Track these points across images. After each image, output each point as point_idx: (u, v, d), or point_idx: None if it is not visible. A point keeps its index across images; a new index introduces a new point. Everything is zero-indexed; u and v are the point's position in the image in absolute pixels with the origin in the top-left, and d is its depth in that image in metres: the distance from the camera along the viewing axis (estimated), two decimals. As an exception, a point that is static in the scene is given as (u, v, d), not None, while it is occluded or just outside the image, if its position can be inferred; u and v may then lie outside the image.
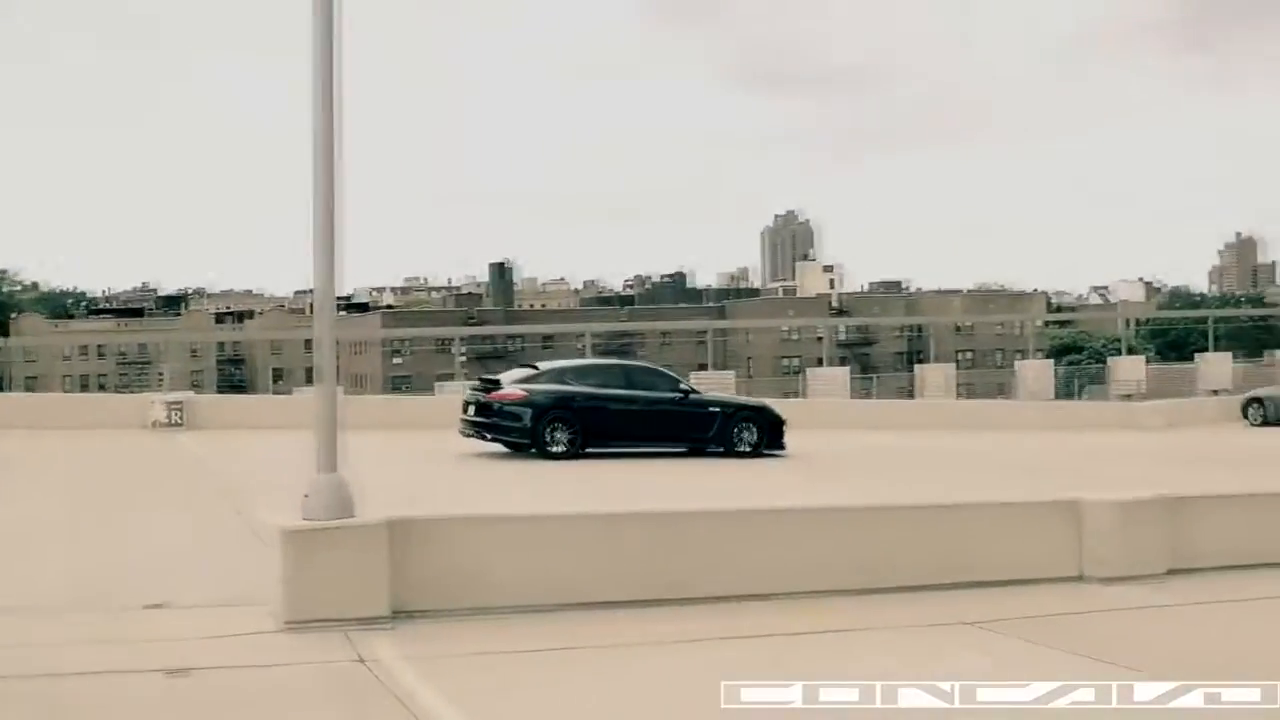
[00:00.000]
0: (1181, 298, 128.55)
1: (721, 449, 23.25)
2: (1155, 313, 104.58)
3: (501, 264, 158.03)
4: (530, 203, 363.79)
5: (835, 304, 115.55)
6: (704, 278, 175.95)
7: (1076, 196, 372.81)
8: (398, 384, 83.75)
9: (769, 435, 23.77)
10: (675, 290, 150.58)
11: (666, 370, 25.68)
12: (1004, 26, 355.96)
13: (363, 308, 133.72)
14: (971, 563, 10.29)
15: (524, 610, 8.93)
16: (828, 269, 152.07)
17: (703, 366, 45.75)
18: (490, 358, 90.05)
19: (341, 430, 9.08)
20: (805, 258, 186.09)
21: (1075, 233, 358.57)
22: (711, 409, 23.73)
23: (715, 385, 38.56)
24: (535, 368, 24.09)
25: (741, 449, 23.27)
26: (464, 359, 61.61)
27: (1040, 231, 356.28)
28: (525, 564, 9.17)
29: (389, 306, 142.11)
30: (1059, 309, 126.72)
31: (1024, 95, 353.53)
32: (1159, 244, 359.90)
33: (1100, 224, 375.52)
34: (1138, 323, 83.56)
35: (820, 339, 70.99)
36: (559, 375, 23.31)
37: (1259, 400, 36.06)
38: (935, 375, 40.86)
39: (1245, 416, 35.98)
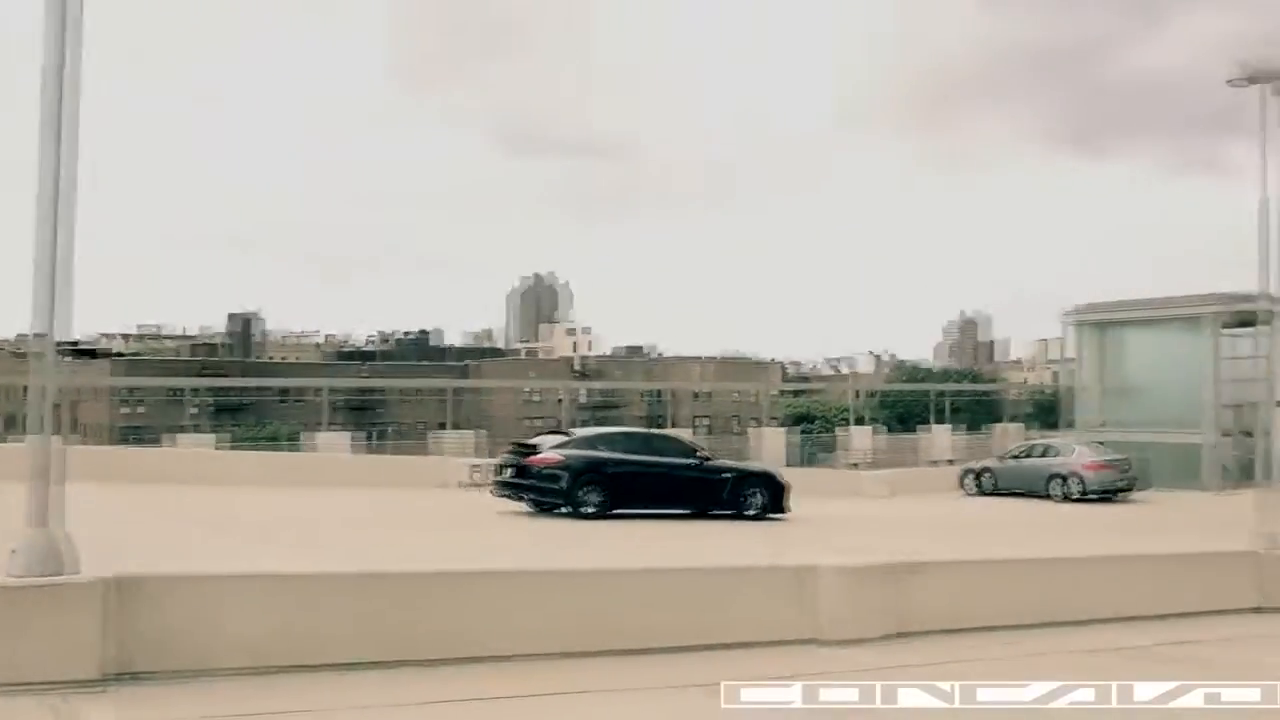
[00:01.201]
0: (909, 371, 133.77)
1: (731, 511, 24.72)
2: (884, 385, 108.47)
3: (242, 314, 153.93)
4: (276, 254, 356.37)
5: (579, 367, 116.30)
6: (450, 337, 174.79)
7: (814, 269, 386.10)
8: (127, 435, 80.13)
9: (773, 499, 25.22)
10: (420, 348, 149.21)
11: (684, 439, 28.37)
12: (756, 102, 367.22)
13: (90, 354, 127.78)
14: (709, 626, 10.40)
15: (260, 671, 8.61)
16: (572, 332, 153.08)
17: (443, 425, 45.26)
18: (228, 410, 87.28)
19: (60, 483, 8.61)
20: (552, 320, 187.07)
21: (811, 304, 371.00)
22: (724, 474, 25.30)
23: (455, 445, 38.34)
24: (568, 434, 25.97)
25: (749, 511, 24.81)
26: (198, 411, 59.56)
27: (778, 302, 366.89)
28: (261, 623, 8.85)
29: (119, 353, 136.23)
30: (794, 378, 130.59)
31: (769, 169, 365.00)
32: (890, 319, 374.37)
33: (835, 297, 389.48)
34: (868, 394, 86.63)
35: (561, 401, 71.12)
36: (591, 442, 24.99)
37: (976, 471, 37.79)
38: (674, 440, 41.38)
39: (963, 486, 37.66)
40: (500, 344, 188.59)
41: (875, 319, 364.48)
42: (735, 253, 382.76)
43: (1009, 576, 12.85)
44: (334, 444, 37.17)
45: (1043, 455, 36.74)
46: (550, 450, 24.19)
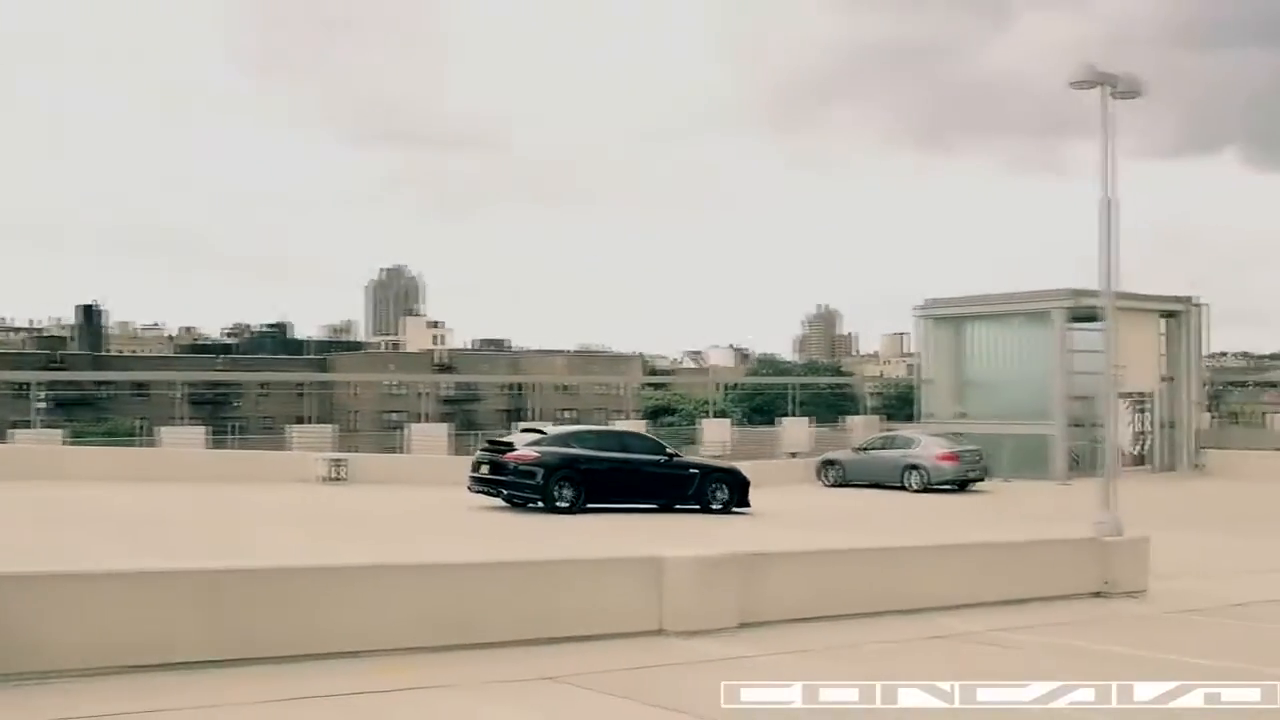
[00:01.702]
0: (768, 365, 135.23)
1: (697, 505, 25.86)
2: (744, 378, 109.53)
3: (90, 306, 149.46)
4: (126, 246, 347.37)
5: (439, 360, 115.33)
6: (307, 329, 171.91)
7: (674, 264, 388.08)
8: (-33, 431, 77.25)
9: (738, 494, 26.49)
10: (277, 341, 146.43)
11: (654, 437, 29.40)
12: (615, 98, 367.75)
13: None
14: (557, 618, 10.42)
15: (105, 672, 8.41)
16: (433, 325, 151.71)
17: (301, 419, 44.66)
18: (76, 404, 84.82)
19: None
20: (411, 313, 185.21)
21: (672, 299, 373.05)
22: (691, 470, 26.50)
23: (314, 439, 37.82)
24: (542, 432, 26.89)
25: (715, 506, 25.97)
26: (44, 405, 57.83)
27: (639, 296, 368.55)
28: (98, 625, 8.63)
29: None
30: (655, 371, 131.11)
31: (629, 164, 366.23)
32: (749, 313, 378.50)
33: (695, 292, 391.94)
34: (727, 387, 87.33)
35: (422, 394, 70.47)
36: (564, 440, 25.95)
37: (832, 462, 38.33)
38: (533, 433, 41.32)
39: (819, 477, 38.18)
40: (359, 337, 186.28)
41: (735, 313, 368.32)
42: (593, 248, 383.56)
43: (857, 566, 13.07)
44: (188, 439, 36.40)
45: (897, 447, 37.33)
46: (525, 448, 25.18)
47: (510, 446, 25.49)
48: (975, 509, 31.32)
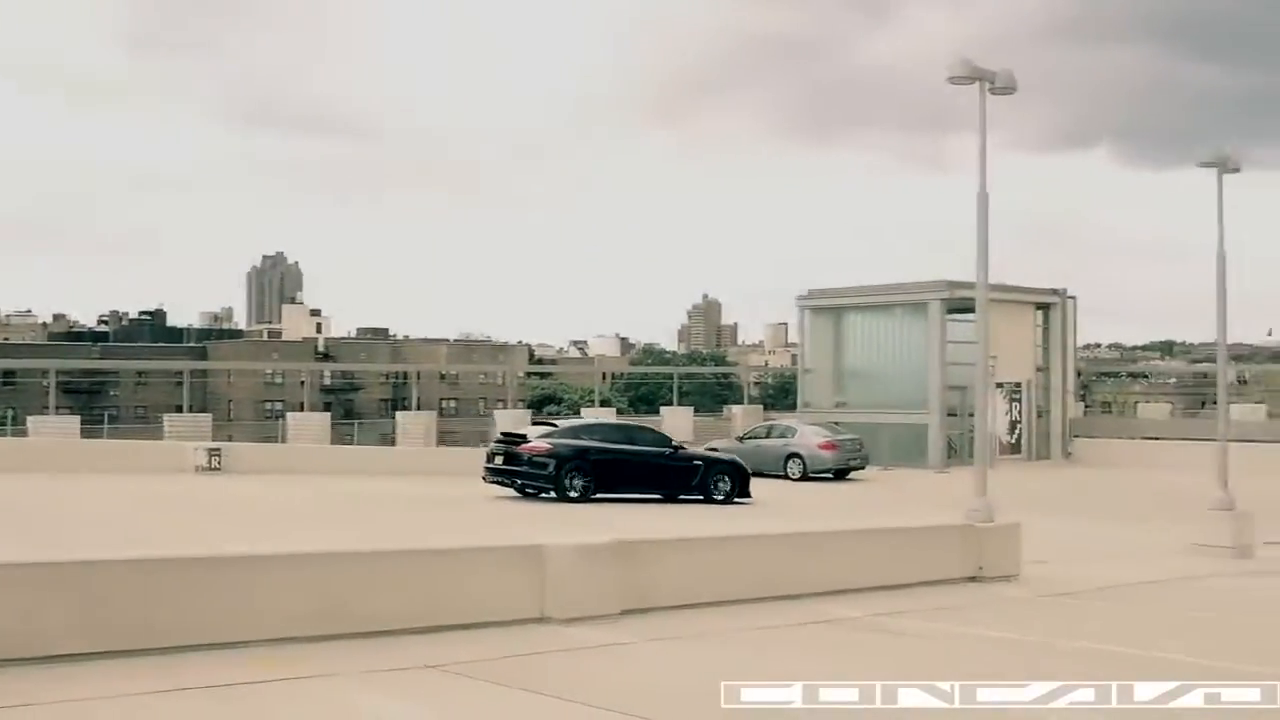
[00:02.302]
0: (652, 354, 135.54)
1: (700, 496, 27.05)
2: (628, 367, 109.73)
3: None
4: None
5: (321, 349, 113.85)
6: (185, 317, 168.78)
7: (558, 254, 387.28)
8: None
9: (739, 485, 27.60)
10: (154, 329, 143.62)
11: (659, 431, 30.54)
12: (502, 87, 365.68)
13: None
14: (437, 607, 10.37)
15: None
16: (314, 313, 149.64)
17: (179, 408, 43.80)
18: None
19: None
20: (292, 300, 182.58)
21: (556, 288, 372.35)
22: (695, 462, 27.72)
23: (190, 429, 37.20)
24: (554, 425, 28.95)
25: (717, 496, 27.11)
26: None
27: (521, 285, 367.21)
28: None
29: None
30: (540, 360, 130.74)
31: (513, 152, 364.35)
32: (634, 302, 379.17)
33: (580, 282, 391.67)
34: (612, 376, 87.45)
35: (303, 383, 69.57)
36: (575, 432, 27.67)
37: (714, 451, 38.56)
38: (415, 422, 41.16)
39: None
40: (239, 325, 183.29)
41: (619, 302, 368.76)
42: (477, 236, 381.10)
43: (738, 553, 13.18)
44: (60, 428, 35.60)
45: (777, 436, 37.71)
46: (538, 440, 26.75)
47: (524, 439, 27.10)
48: (855, 497, 31.81)
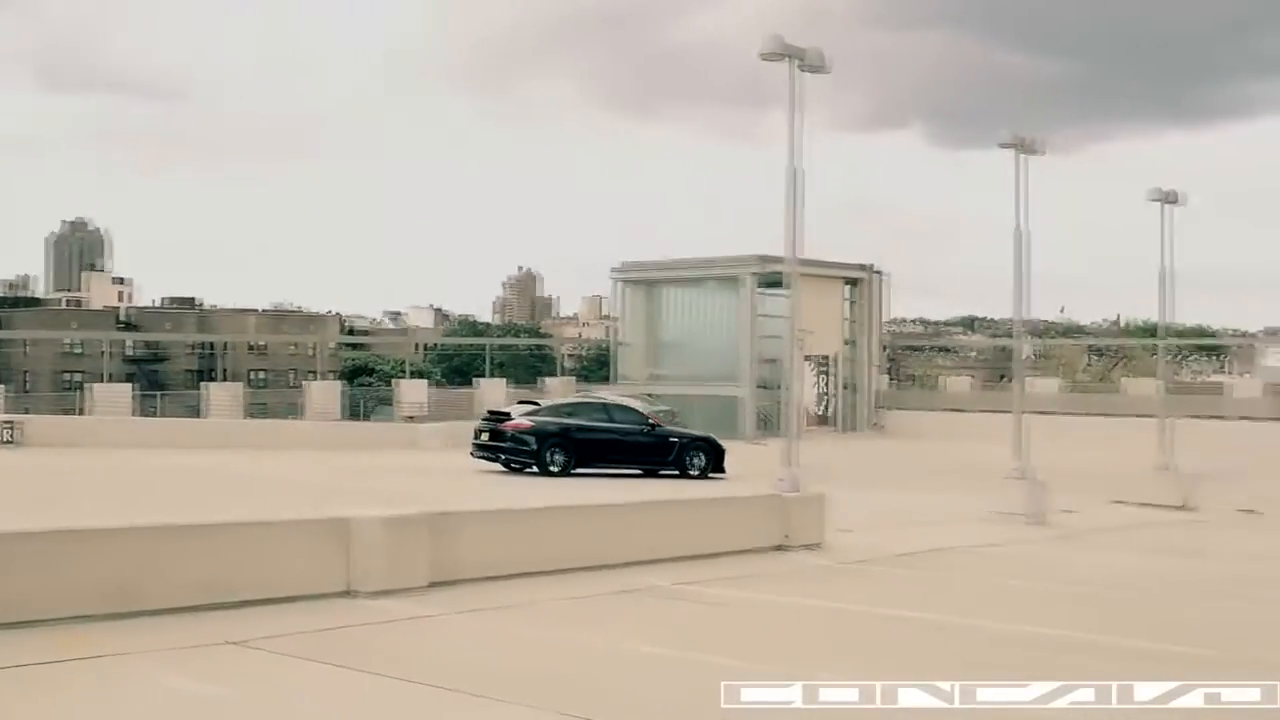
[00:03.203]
0: (468, 326, 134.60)
1: (677, 471, 28.36)
2: (444, 339, 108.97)
3: None
4: None
5: (124, 318, 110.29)
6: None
7: (373, 224, 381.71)
8: None
9: (714, 461, 28.94)
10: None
11: (638, 409, 31.21)
12: (317, 55, 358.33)
13: None
14: (240, 582, 10.15)
15: None
16: (118, 281, 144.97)
17: (-29, 379, 42.12)
18: None
19: None
20: (94, 268, 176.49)
21: (370, 258, 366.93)
22: (671, 439, 29.14)
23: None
24: (536, 404, 30.54)
25: (692, 472, 28.43)
26: None
27: (335, 255, 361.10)
28: None
29: None
30: (352, 331, 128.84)
31: (327, 120, 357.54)
32: (450, 273, 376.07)
33: (394, 251, 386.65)
34: (427, 348, 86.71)
35: (104, 354, 67.29)
36: (557, 411, 29.34)
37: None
38: (223, 394, 40.36)
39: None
40: (38, 293, 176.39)
41: (435, 274, 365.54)
42: (289, 205, 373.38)
43: (547, 523, 13.22)
44: None
45: (592, 408, 37.80)
46: (521, 417, 28.51)
47: (508, 416, 28.85)
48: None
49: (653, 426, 29.00)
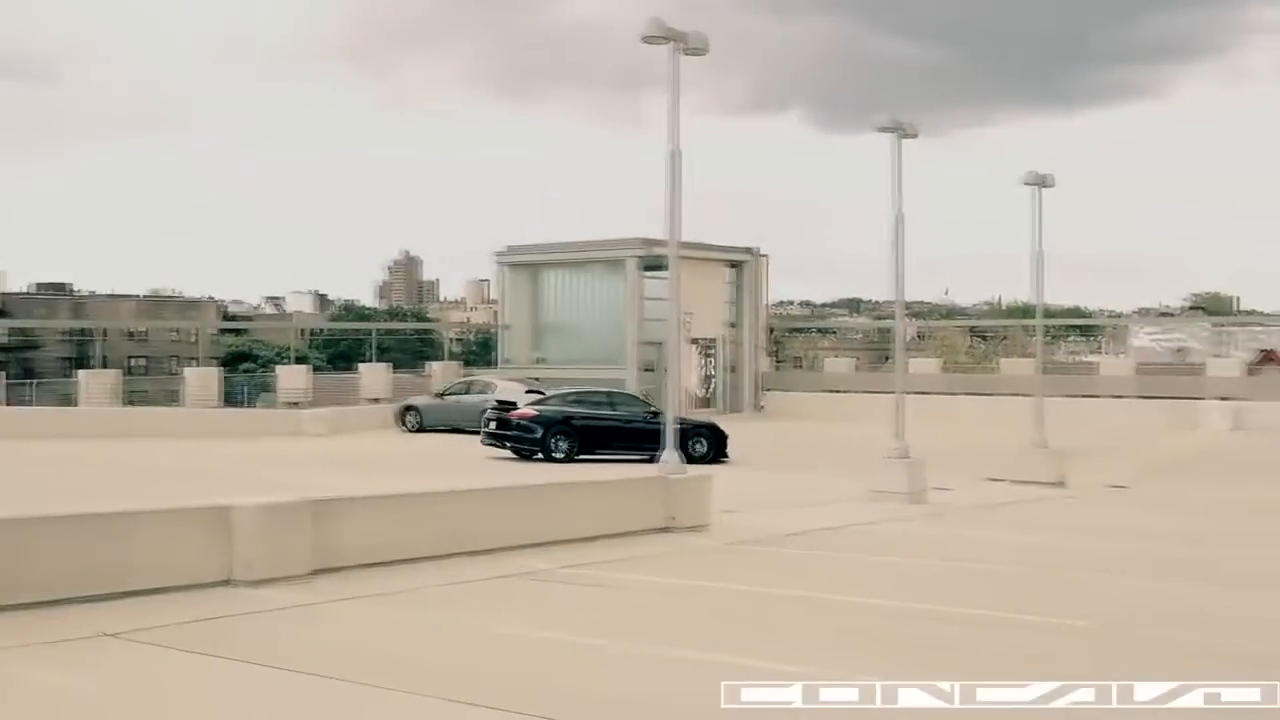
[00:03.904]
0: (353, 311, 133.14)
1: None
2: (327, 324, 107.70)
3: None
4: None
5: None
6: None
7: (251, 208, 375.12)
8: None
9: (716, 447, 29.60)
10: None
11: (641, 397, 33.20)
12: (193, 34, 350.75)
13: None
14: (115, 573, 9.97)
15: None
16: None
17: None
18: None
19: None
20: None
21: (248, 243, 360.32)
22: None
23: None
24: (542, 393, 32.53)
25: (695, 458, 27.18)
26: None
27: (212, 240, 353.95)
28: None
29: None
30: (233, 317, 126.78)
31: (201, 102, 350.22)
32: (330, 258, 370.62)
33: (273, 236, 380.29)
34: (310, 333, 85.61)
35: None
36: (562, 399, 30.53)
37: (412, 408, 38.44)
38: (98, 381, 39.43)
39: (401, 423, 38.20)
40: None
41: (316, 258, 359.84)
42: (166, 188, 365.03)
43: (429, 509, 13.15)
44: None
45: (476, 392, 37.80)
46: (527, 406, 30.21)
47: (514, 405, 30.55)
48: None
49: (655, 414, 28.84)
